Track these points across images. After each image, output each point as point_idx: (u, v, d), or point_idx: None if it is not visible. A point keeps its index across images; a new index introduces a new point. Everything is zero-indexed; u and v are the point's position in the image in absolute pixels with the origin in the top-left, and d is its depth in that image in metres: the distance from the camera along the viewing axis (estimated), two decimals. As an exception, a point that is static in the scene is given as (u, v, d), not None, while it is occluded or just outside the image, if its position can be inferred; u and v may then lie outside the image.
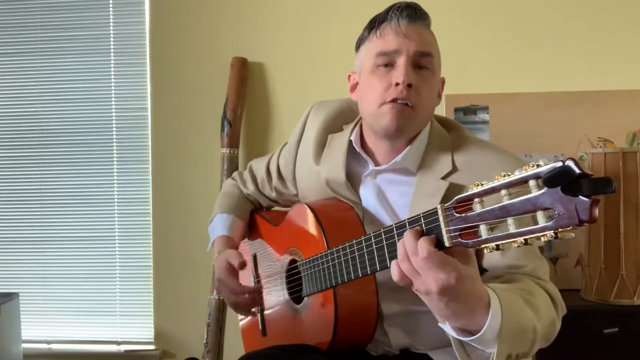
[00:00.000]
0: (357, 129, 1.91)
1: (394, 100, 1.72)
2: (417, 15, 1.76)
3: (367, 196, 1.88)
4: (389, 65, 1.74)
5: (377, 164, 1.86)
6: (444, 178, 1.74)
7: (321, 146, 2.00)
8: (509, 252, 1.66)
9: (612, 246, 2.58)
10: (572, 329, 2.45)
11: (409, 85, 1.71)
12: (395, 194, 1.84)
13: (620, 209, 2.56)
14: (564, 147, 2.91)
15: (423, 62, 1.74)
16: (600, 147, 2.86)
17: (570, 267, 2.92)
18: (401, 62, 1.72)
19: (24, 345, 3.29)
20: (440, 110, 2.96)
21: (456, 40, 3.04)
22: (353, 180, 1.91)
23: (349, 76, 1.91)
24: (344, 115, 2.00)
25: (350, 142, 1.90)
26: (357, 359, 1.86)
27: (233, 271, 2.05)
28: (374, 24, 1.80)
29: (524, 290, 1.51)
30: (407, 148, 1.79)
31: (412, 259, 1.27)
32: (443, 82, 1.86)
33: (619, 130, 2.91)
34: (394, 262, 1.32)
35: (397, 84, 1.71)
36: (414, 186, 1.78)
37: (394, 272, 1.32)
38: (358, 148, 1.87)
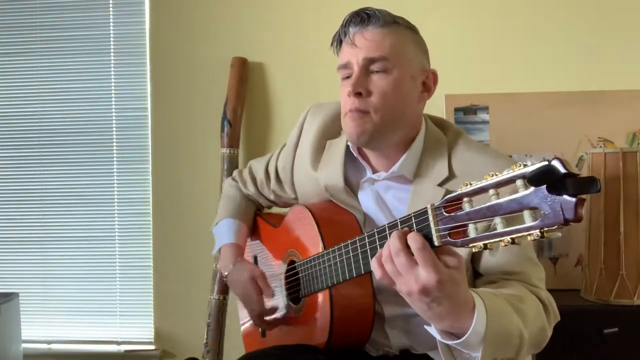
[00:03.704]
0: None
1: (350, 111, 1.75)
2: (368, 19, 1.76)
3: (366, 202, 1.89)
4: (350, 76, 1.77)
5: (374, 170, 1.87)
6: (440, 185, 1.75)
7: (319, 152, 2.01)
8: (503, 257, 1.68)
9: (612, 246, 2.58)
10: (572, 329, 2.47)
11: (359, 94, 1.73)
12: (393, 200, 1.85)
13: (620, 209, 2.55)
14: (564, 147, 2.91)
15: (375, 67, 1.74)
16: (600, 147, 2.85)
17: (570, 267, 2.92)
18: (354, 71, 1.75)
19: (24, 345, 3.29)
20: (440, 110, 2.98)
21: (456, 40, 3.05)
22: (351, 185, 1.92)
23: None
24: (341, 119, 2.00)
25: (347, 147, 1.90)
26: (356, 358, 1.88)
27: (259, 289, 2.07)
28: (334, 40, 1.85)
29: (513, 296, 1.52)
30: (404, 156, 1.80)
31: (395, 259, 1.28)
32: (434, 74, 1.85)
33: (619, 130, 2.90)
34: (374, 260, 1.34)
35: (349, 95, 1.74)
36: (411, 193, 1.79)
37: (376, 271, 1.33)
38: (355, 153, 1.88)
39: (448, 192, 1.70)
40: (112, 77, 3.39)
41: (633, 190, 2.55)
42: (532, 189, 1.05)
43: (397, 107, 1.76)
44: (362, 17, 1.76)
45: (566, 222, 1.01)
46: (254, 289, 2.06)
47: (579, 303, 2.67)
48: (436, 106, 2.81)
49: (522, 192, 1.06)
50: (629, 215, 2.55)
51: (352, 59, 1.75)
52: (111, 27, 3.37)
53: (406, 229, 1.32)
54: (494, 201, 1.11)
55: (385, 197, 1.86)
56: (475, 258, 1.72)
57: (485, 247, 1.15)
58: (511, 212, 1.08)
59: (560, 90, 2.96)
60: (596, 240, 2.62)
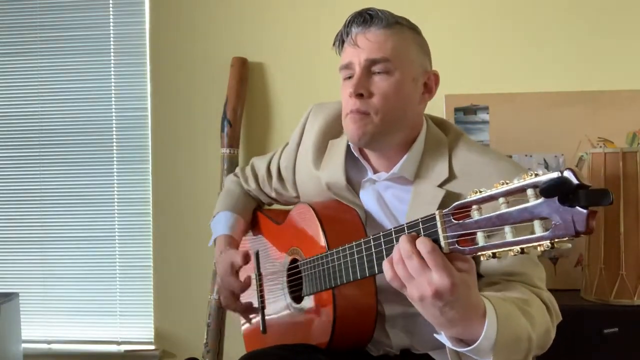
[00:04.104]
0: None
1: (352, 112, 1.75)
2: (371, 20, 1.76)
3: (368, 201, 1.89)
4: (352, 77, 1.76)
5: (374, 170, 1.87)
6: (440, 186, 1.74)
7: (321, 151, 2.01)
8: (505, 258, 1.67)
9: (612, 246, 2.58)
10: (572, 329, 2.46)
11: (360, 95, 1.73)
12: (394, 201, 1.85)
13: (620, 209, 2.55)
14: (564, 147, 2.91)
15: (377, 69, 1.74)
16: (600, 147, 2.85)
17: (570, 267, 2.92)
18: (355, 72, 1.75)
19: (24, 345, 3.29)
20: (441, 110, 2.98)
21: (456, 40, 3.05)
22: (353, 184, 1.92)
23: None
24: (342, 120, 2.00)
25: (348, 146, 1.91)
26: (357, 358, 1.88)
27: (236, 273, 2.07)
28: (336, 40, 1.85)
29: (519, 299, 1.52)
30: (404, 157, 1.80)
31: (407, 262, 1.27)
32: (436, 76, 1.85)
33: (619, 130, 2.90)
34: (385, 261, 1.32)
35: (350, 96, 1.74)
36: (411, 194, 1.79)
37: (387, 271, 1.32)
38: (357, 153, 1.88)
39: (448, 193, 1.71)
40: (112, 77, 3.38)
41: (633, 190, 2.55)
42: (543, 199, 1.04)
43: (398, 109, 1.76)
44: (364, 18, 1.75)
45: (577, 234, 1.00)
46: (232, 274, 2.07)
47: (579, 303, 2.66)
48: (436, 106, 2.81)
49: (533, 202, 1.06)
50: (629, 215, 2.55)
51: (354, 59, 1.75)
52: (111, 27, 3.37)
53: (414, 233, 1.31)
54: (504, 210, 1.10)
55: (386, 197, 1.86)
56: (476, 260, 1.72)
57: (494, 255, 1.14)
58: (521, 222, 1.08)
59: (560, 90, 2.96)
60: (596, 240, 2.62)
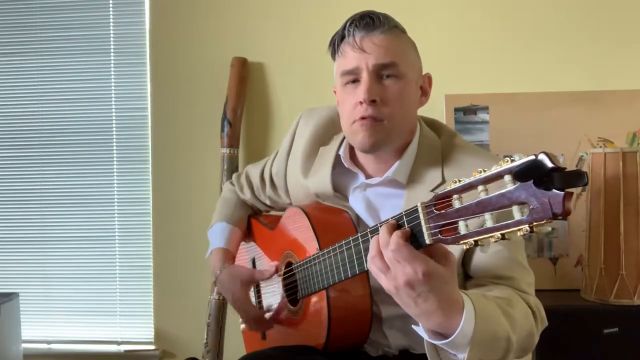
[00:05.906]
0: (345, 141, 1.90)
1: (362, 118, 1.71)
2: (374, 24, 1.72)
3: (357, 208, 1.88)
4: (356, 81, 1.73)
5: (368, 176, 1.86)
6: (434, 190, 1.73)
7: (310, 159, 2.00)
8: (494, 260, 1.67)
9: (612, 246, 2.57)
10: (572, 329, 2.46)
11: (373, 101, 1.69)
12: (385, 207, 1.84)
13: (620, 209, 2.54)
14: (564, 147, 2.90)
15: (387, 73, 1.71)
16: (600, 147, 2.84)
17: (570, 267, 2.91)
18: (363, 78, 1.71)
19: (24, 345, 3.30)
20: (440, 110, 2.97)
21: (456, 40, 3.04)
22: (342, 192, 1.92)
23: (335, 91, 1.88)
24: (334, 125, 1.98)
25: (338, 156, 1.90)
26: (356, 359, 1.87)
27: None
28: (334, 42, 1.80)
29: (502, 299, 1.51)
30: (398, 162, 1.78)
31: (384, 252, 1.28)
32: (429, 78, 1.84)
33: (619, 130, 2.89)
34: (369, 255, 1.33)
35: (361, 102, 1.70)
36: (405, 199, 1.78)
37: (369, 264, 1.33)
38: (347, 164, 1.86)
39: None
40: (112, 77, 3.39)
41: (633, 190, 2.54)
42: (519, 183, 1.05)
43: (406, 113, 1.76)
44: (367, 22, 1.72)
45: (554, 216, 1.00)
46: (245, 295, 2.09)
47: (579, 303, 2.65)
48: (436, 106, 2.81)
49: (510, 187, 1.06)
50: (629, 215, 2.54)
51: (360, 64, 1.71)
52: (111, 27, 3.38)
53: (393, 221, 1.32)
54: (483, 197, 1.11)
55: (377, 203, 1.85)
56: (465, 259, 1.72)
57: (476, 243, 1.14)
58: (500, 208, 1.08)
59: (560, 90, 2.95)
60: (596, 240, 2.61)
